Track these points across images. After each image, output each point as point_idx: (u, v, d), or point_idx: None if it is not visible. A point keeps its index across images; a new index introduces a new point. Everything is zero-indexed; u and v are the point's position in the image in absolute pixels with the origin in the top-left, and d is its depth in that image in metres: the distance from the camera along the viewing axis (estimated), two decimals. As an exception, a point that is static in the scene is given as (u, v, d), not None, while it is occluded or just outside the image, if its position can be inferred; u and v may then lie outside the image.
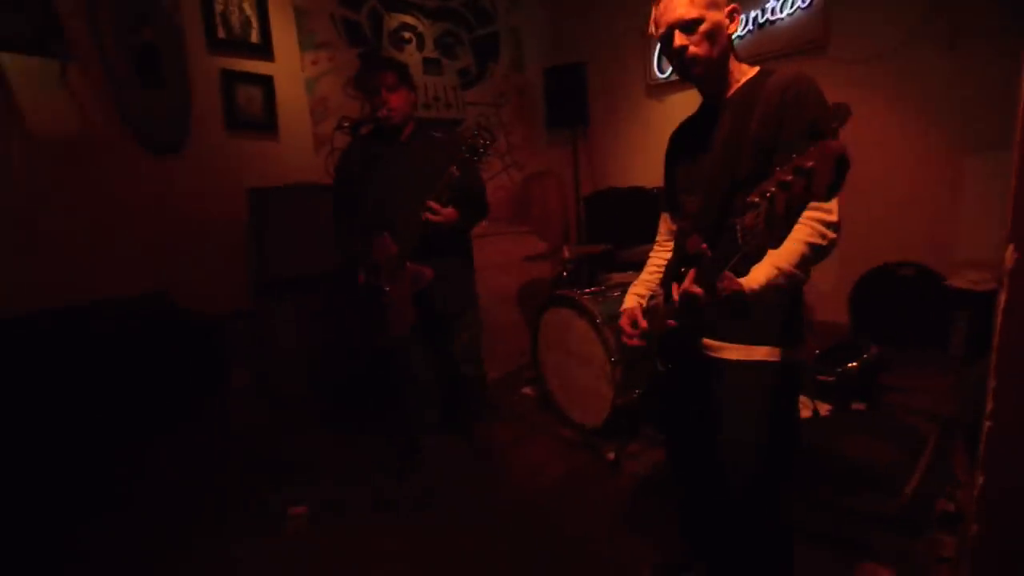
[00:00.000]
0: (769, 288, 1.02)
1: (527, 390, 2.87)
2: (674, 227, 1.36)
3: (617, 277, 2.68)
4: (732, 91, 1.18)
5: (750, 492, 1.19)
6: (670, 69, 3.88)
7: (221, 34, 2.99)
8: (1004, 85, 2.05)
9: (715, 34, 1.13)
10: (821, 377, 2.39)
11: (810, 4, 3.16)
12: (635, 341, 1.29)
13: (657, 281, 1.37)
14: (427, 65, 3.79)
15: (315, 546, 1.78)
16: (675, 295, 1.09)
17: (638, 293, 1.39)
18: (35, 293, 2.44)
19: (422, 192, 1.87)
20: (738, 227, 0.89)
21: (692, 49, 1.14)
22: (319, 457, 2.33)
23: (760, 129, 1.08)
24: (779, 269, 1.03)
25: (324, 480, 2.12)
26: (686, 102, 3.76)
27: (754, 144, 1.09)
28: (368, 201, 2.02)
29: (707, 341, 1.21)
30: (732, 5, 1.16)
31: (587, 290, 2.39)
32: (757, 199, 0.83)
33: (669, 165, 1.34)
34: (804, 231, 1.03)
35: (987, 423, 1.03)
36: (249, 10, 3.08)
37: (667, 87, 3.94)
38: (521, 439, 2.41)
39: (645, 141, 4.13)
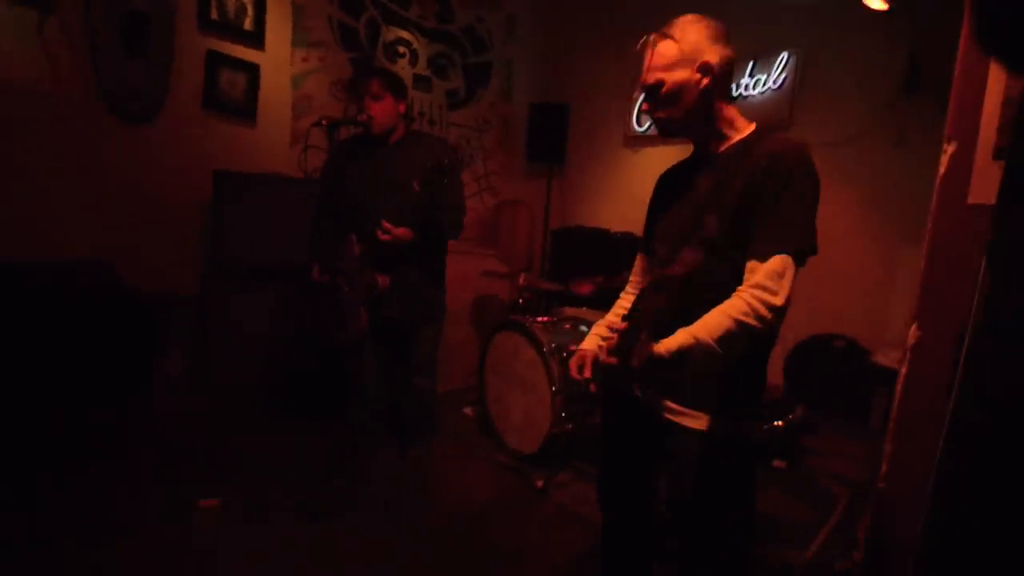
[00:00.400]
0: (682, 355, 0.97)
1: (468, 410, 2.87)
2: (644, 269, 1.37)
3: (570, 311, 2.74)
4: (723, 147, 1.15)
5: (698, 553, 1.16)
6: (648, 123, 4.08)
7: (214, 15, 2.98)
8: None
9: (678, 95, 1.12)
10: (750, 433, 2.49)
11: (780, 86, 3.40)
12: (581, 376, 1.23)
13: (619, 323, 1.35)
14: (417, 81, 3.86)
15: (223, 544, 1.71)
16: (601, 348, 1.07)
17: (599, 334, 1.35)
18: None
19: (390, 202, 1.90)
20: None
21: (656, 113, 1.17)
22: (248, 451, 2.26)
23: (741, 196, 1.05)
24: (695, 339, 0.97)
25: (248, 476, 2.05)
26: (662, 157, 3.94)
27: (732, 209, 1.06)
28: (343, 202, 2.03)
29: (665, 401, 1.17)
30: (704, 59, 1.11)
31: (539, 319, 2.44)
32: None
33: (651, 208, 1.34)
34: (739, 306, 0.99)
35: (880, 484, 1.12)
36: (247, -2, 3.09)
37: (644, 140, 4.13)
38: (455, 458, 2.40)
39: (617, 187, 4.29)
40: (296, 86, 3.38)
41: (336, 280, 2.03)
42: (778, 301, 0.97)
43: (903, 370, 1.08)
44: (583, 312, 2.71)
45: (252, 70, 3.17)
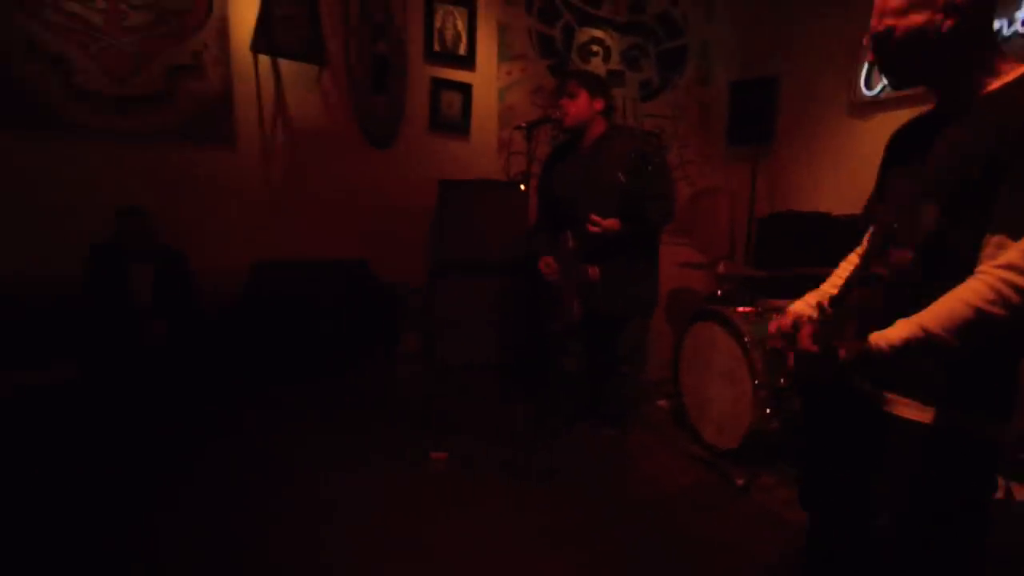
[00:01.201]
0: (906, 349, 0.85)
1: (662, 403, 2.86)
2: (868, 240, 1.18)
3: (775, 303, 2.53)
4: (975, 98, 0.95)
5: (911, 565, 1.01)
6: (880, 86, 3.49)
7: (436, 47, 3.48)
8: None
9: (914, 44, 0.95)
10: (1023, 455, 2.00)
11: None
12: (775, 343, 1.13)
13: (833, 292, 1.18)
14: (610, 77, 3.94)
15: (446, 492, 2.04)
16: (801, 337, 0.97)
17: (808, 301, 1.20)
18: (276, 246, 3.15)
19: (597, 195, 2.04)
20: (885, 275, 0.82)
21: (885, 67, 1.01)
22: (465, 416, 2.63)
23: (985, 162, 0.87)
24: (924, 330, 0.84)
25: (464, 436, 2.39)
26: (895, 124, 3.35)
27: (969, 184, 0.89)
28: (557, 200, 2.25)
29: (885, 393, 1.02)
30: None
31: (739, 308, 2.32)
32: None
33: (879, 174, 1.16)
34: (980, 290, 0.83)
35: None
36: (461, 26, 3.54)
37: (875, 105, 3.55)
38: (650, 447, 2.43)
39: (839, 164, 3.77)
40: (502, 98, 3.75)
41: (556, 273, 2.26)
42: None
43: None
44: (789, 304, 2.48)
45: (466, 90, 3.62)
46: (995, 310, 0.82)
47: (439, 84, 3.53)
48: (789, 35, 4.00)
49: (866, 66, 3.55)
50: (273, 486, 1.99)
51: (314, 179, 3.31)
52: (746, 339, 2.13)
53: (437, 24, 3.47)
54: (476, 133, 3.71)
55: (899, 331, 0.87)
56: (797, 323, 1.06)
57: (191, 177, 2.99)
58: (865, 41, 1.04)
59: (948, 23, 0.92)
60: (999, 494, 1.92)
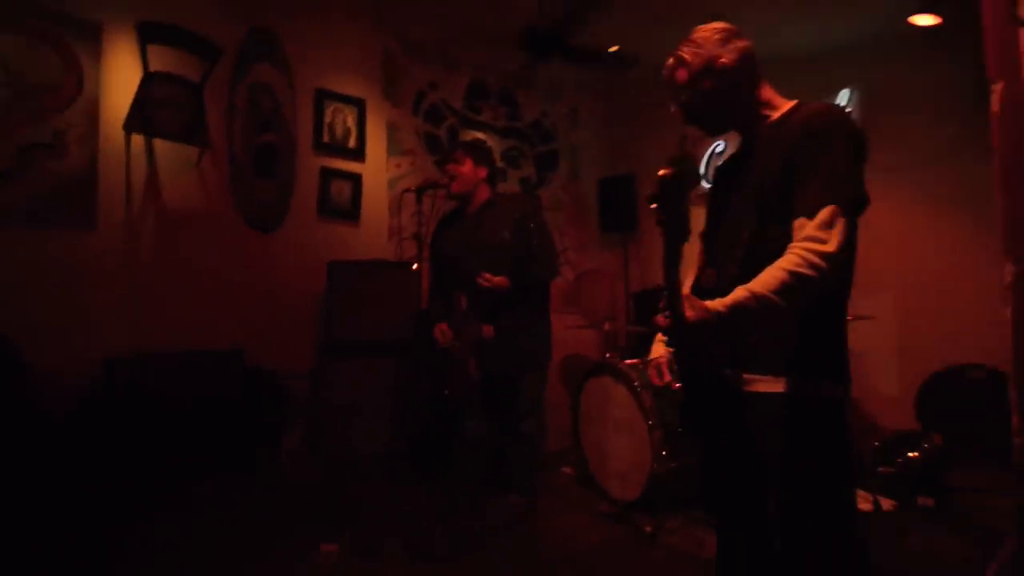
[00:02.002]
0: (737, 311, 0.99)
1: (567, 469, 2.82)
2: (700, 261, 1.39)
3: (660, 357, 2.72)
4: (764, 126, 1.22)
5: (790, 525, 1.09)
6: (717, 180, 4.18)
7: (326, 139, 3.60)
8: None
9: (708, 103, 1.24)
10: (882, 469, 2.24)
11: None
12: (662, 381, 1.29)
13: None
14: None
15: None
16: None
17: (663, 339, 1.35)
18: (141, 334, 2.81)
19: (485, 256, 2.12)
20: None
21: (697, 123, 1.30)
22: (362, 505, 2.38)
23: (781, 171, 1.10)
24: (752, 292, 0.99)
25: (363, 525, 2.15)
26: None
27: (773, 188, 1.10)
28: (448, 264, 2.30)
29: (743, 375, 1.16)
30: (720, 63, 1.20)
31: (627, 360, 2.46)
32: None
33: (709, 201, 1.38)
34: (791, 259, 1.00)
35: (1016, 440, 1.01)
36: (351, 122, 3.72)
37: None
38: (559, 511, 2.35)
39: (692, 243, 4.31)
40: (391, 188, 3.89)
41: (448, 337, 2.24)
42: (830, 248, 0.99)
43: (1009, 312, 1.03)
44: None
45: (356, 179, 3.72)
46: (805, 271, 0.99)
47: (329, 173, 3.60)
48: (640, 141, 4.71)
49: (704, 162, 4.26)
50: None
51: (187, 264, 3.08)
52: (636, 384, 2.23)
53: (327, 119, 3.62)
54: (367, 220, 3.76)
55: (732, 295, 1.02)
56: (659, 368, 1.28)
57: (37, 262, 2.65)
58: (674, 110, 1.32)
59: (727, 81, 1.20)
60: (868, 507, 2.10)
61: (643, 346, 3.36)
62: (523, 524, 2.19)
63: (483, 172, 2.28)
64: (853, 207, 1.03)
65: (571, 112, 4.76)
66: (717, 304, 1.00)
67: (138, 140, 2.92)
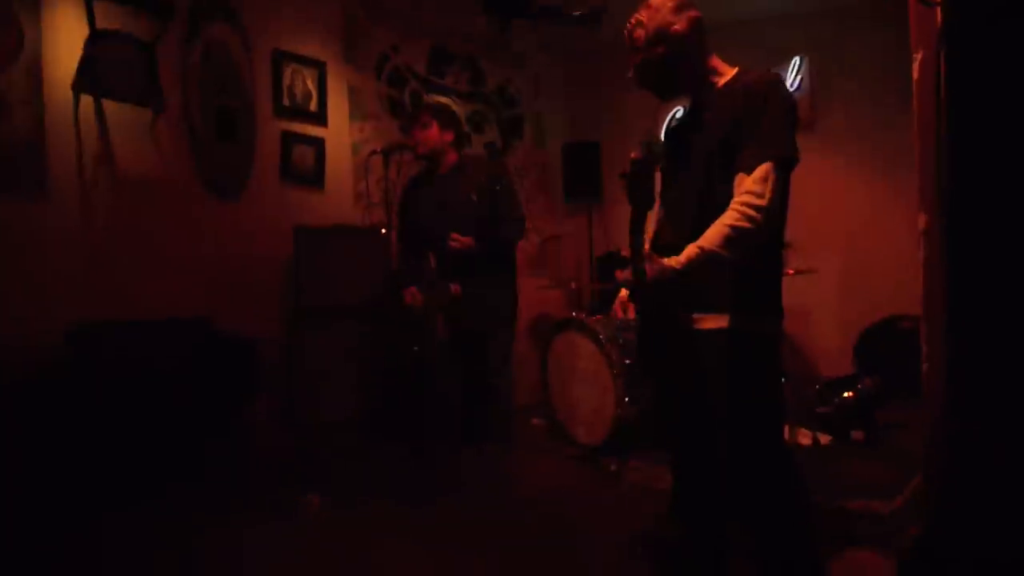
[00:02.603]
0: (691, 265, 1.13)
1: (536, 421, 2.97)
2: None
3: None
4: (713, 91, 1.32)
5: (734, 440, 1.24)
6: (676, 146, 4.31)
7: (286, 102, 3.52)
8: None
9: (661, 67, 1.34)
10: (820, 409, 2.47)
11: (798, 88, 3.58)
12: (625, 314, 1.44)
13: None
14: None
15: (327, 530, 1.88)
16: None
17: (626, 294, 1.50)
18: (101, 305, 2.76)
19: (454, 217, 2.18)
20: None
21: (650, 86, 1.41)
22: (339, 463, 2.46)
23: (729, 125, 1.21)
24: (700, 248, 1.13)
25: (341, 479, 2.24)
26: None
27: (721, 141, 1.22)
28: (418, 225, 2.35)
29: (693, 314, 1.29)
30: (674, 29, 1.29)
31: (592, 318, 2.59)
32: None
33: (666, 154, 1.50)
34: (731, 215, 1.13)
35: (924, 365, 1.18)
36: (311, 85, 3.64)
37: (674, 161, 4.34)
38: (531, 458, 2.50)
39: (654, 212, 4.47)
40: (355, 153, 3.86)
41: (419, 294, 2.31)
42: (763, 202, 1.13)
43: (921, 255, 1.18)
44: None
45: (318, 143, 3.67)
46: (744, 224, 1.13)
47: (290, 137, 3.54)
48: (604, 109, 4.78)
49: (663, 130, 4.38)
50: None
51: (147, 231, 3.01)
52: (601, 336, 2.37)
53: (286, 81, 3.53)
54: (331, 185, 3.73)
55: (685, 252, 1.15)
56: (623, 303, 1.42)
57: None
58: (630, 74, 1.41)
59: (680, 47, 1.30)
60: (808, 442, 2.32)
61: (606, 303, 3.51)
62: (497, 469, 2.33)
63: (449, 136, 2.32)
64: (785, 164, 1.17)
65: (535, 78, 4.77)
66: (673, 261, 1.14)
67: (88, 102, 2.80)
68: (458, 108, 4.32)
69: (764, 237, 1.16)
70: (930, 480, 1.17)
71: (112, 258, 2.88)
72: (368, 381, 3.14)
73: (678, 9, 1.31)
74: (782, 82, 1.23)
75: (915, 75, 1.21)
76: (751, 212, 1.12)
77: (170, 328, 2.94)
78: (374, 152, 2.26)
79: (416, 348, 2.44)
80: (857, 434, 2.37)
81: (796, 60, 3.60)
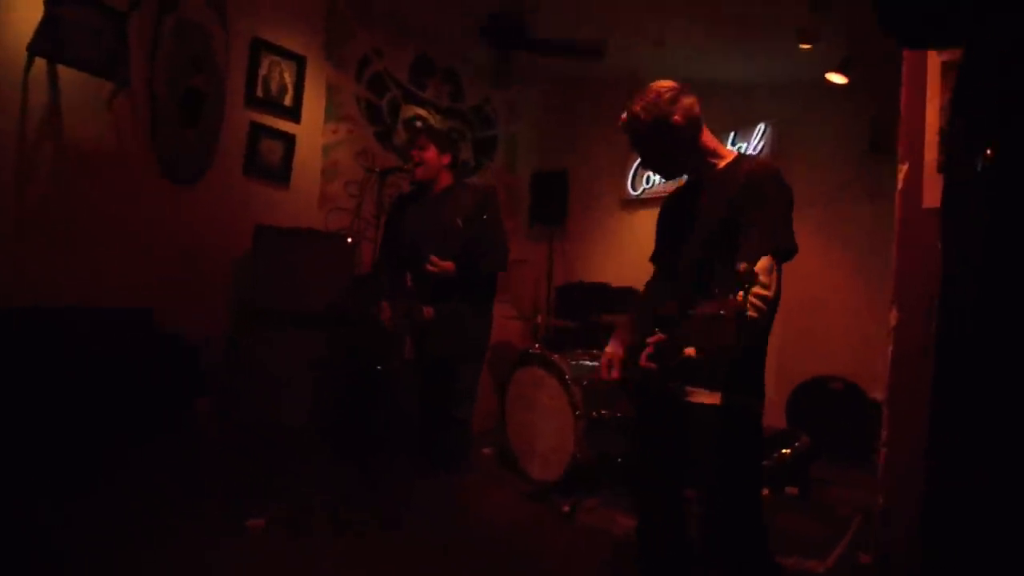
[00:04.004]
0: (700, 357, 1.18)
1: (486, 450, 2.96)
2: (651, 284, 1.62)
3: (583, 352, 2.92)
4: (712, 172, 1.39)
5: (717, 504, 1.32)
6: (641, 188, 4.48)
7: (259, 93, 3.37)
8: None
9: (661, 154, 1.44)
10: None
11: (760, 153, 3.82)
12: (610, 376, 1.48)
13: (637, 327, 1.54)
14: (432, 151, 4.26)
15: (270, 559, 1.78)
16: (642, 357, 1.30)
17: (620, 339, 1.55)
18: (29, 289, 2.50)
19: (437, 240, 2.16)
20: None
21: (653, 169, 1.52)
22: (287, 478, 2.34)
23: (728, 208, 1.29)
24: None
25: (289, 500, 2.13)
26: (652, 217, 4.31)
27: (720, 222, 1.30)
28: (400, 246, 2.30)
29: (687, 387, 1.35)
30: (672, 120, 1.36)
31: (556, 355, 2.62)
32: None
33: (660, 226, 1.58)
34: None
35: (882, 449, 1.28)
36: (288, 79, 3.51)
37: (638, 203, 4.51)
38: (483, 490, 2.48)
39: (615, 246, 4.63)
40: (326, 154, 3.74)
41: (393, 312, 2.25)
42: (769, 293, 1.20)
43: (890, 349, 1.29)
44: (594, 354, 2.89)
45: (289, 140, 3.53)
46: (752, 314, 1.16)
47: (259, 129, 3.39)
48: (576, 139, 4.89)
49: (631, 172, 4.54)
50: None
51: (90, 211, 2.78)
52: (567, 376, 2.40)
53: (263, 71, 3.39)
54: (297, 184, 3.59)
55: None
56: (629, 353, 1.43)
57: None
58: (632, 158, 1.49)
59: (677, 136, 1.37)
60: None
61: (564, 339, 3.57)
62: (449, 502, 2.30)
63: (446, 159, 2.31)
64: (785, 256, 1.24)
65: (513, 102, 4.82)
66: (691, 352, 1.16)
67: (39, 68, 2.56)
68: (436, 122, 4.30)
69: (767, 324, 1.23)
70: (886, 548, 1.27)
71: (51, 237, 2.64)
72: (322, 391, 3.02)
73: (673, 100, 1.37)
74: (780, 174, 1.32)
75: (899, 184, 1.33)
76: (759, 304, 1.17)
77: (106, 318, 2.71)
78: (372, 170, 2.21)
79: (380, 367, 2.38)
80: (791, 489, 2.53)
81: (761, 126, 3.85)
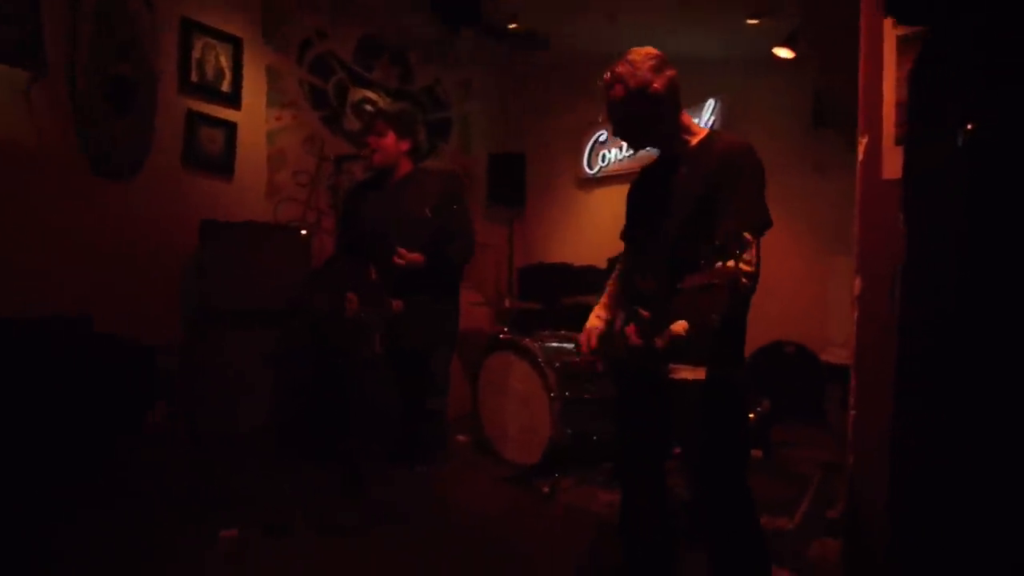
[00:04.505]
0: (691, 331, 1.19)
1: (461, 437, 2.95)
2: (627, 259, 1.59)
3: (550, 333, 2.93)
4: (685, 148, 1.39)
5: (706, 479, 1.35)
6: (598, 167, 4.50)
7: (194, 78, 3.15)
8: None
9: (638, 123, 1.42)
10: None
11: (712, 127, 3.88)
12: (586, 358, 1.49)
13: (615, 304, 1.58)
14: (384, 135, 4.12)
15: (251, 570, 1.72)
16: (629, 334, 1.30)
17: (599, 315, 1.57)
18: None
19: (403, 230, 2.09)
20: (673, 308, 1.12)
21: (625, 138, 1.48)
22: (259, 486, 2.25)
23: (704, 185, 1.29)
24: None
25: (264, 507, 2.05)
26: (611, 196, 4.35)
27: (698, 198, 1.30)
28: (361, 237, 2.20)
29: (670, 364, 1.36)
30: (653, 88, 1.35)
31: (527, 338, 2.62)
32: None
33: (631, 202, 1.56)
34: None
35: (851, 412, 1.35)
36: (225, 63, 3.29)
37: (594, 182, 4.53)
38: (461, 478, 2.47)
39: (573, 225, 4.65)
40: (271, 142, 3.55)
41: (357, 305, 2.17)
42: (751, 268, 1.19)
43: (855, 314, 1.35)
44: (560, 334, 2.91)
45: (230, 128, 3.32)
46: (744, 281, 1.16)
47: (197, 117, 3.18)
48: (531, 120, 4.85)
49: (587, 150, 4.55)
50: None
51: (14, 212, 2.56)
52: (539, 359, 2.41)
53: (196, 55, 3.16)
54: (241, 175, 3.41)
55: (683, 324, 1.20)
56: (610, 330, 1.43)
57: None
58: (602, 119, 1.45)
59: (657, 105, 1.36)
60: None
61: (531, 322, 3.57)
62: (428, 493, 2.28)
63: (405, 145, 2.21)
64: (762, 230, 1.26)
65: (465, 82, 4.71)
66: (679, 328, 1.20)
67: (-59, 53, 2.30)
68: (386, 104, 4.15)
69: (749, 299, 1.25)
70: (856, 511, 1.34)
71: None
72: (282, 391, 2.92)
73: (657, 68, 1.36)
74: (754, 150, 1.33)
75: (859, 156, 1.37)
76: (742, 278, 1.17)
77: (42, 328, 2.51)
78: (325, 158, 2.10)
79: (345, 361, 2.31)
80: (756, 452, 2.64)
81: (711, 102, 3.92)
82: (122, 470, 2.33)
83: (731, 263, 1.02)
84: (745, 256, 1.19)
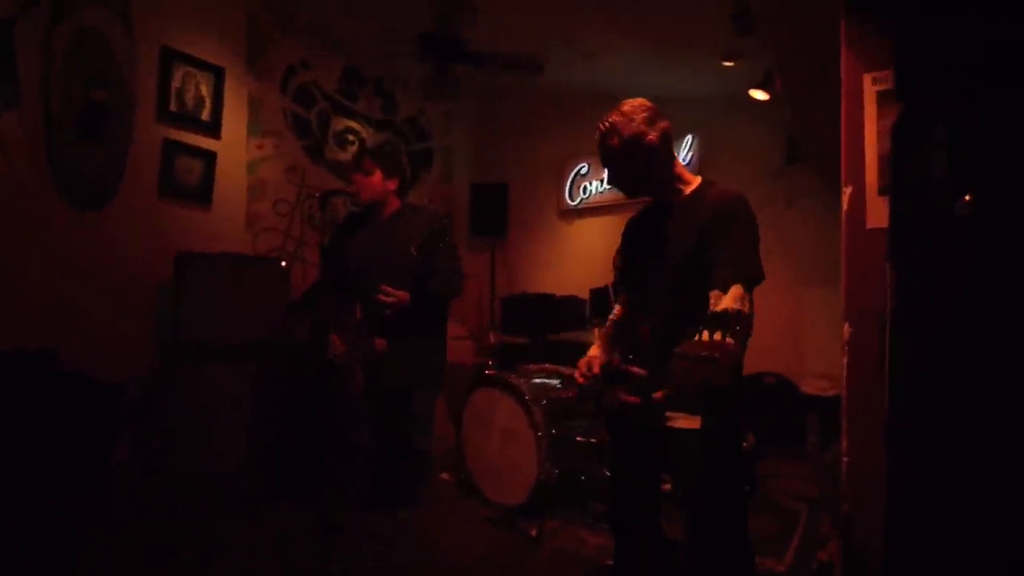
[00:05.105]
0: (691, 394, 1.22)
1: (445, 475, 2.87)
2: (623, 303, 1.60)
3: (535, 367, 2.90)
4: (679, 198, 1.40)
5: (707, 526, 1.32)
6: (580, 197, 4.55)
7: (173, 107, 3.10)
8: (832, 236, 2.76)
9: (633, 173, 1.43)
10: (710, 463, 2.70)
11: (689, 163, 3.98)
12: (584, 380, 1.46)
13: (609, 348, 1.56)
14: (366, 165, 4.11)
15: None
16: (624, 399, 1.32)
17: (596, 354, 1.53)
18: None
19: (389, 268, 2.05)
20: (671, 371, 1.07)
21: (621, 187, 1.50)
22: (232, 532, 2.14)
23: (697, 234, 1.30)
24: None
25: (237, 556, 1.95)
26: (594, 227, 4.40)
27: (692, 245, 1.31)
28: (346, 274, 2.16)
29: (667, 412, 1.34)
30: (647, 140, 1.37)
31: (512, 374, 2.59)
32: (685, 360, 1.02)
33: (623, 250, 1.56)
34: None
35: (844, 459, 1.35)
36: (205, 91, 3.26)
37: (575, 213, 4.58)
38: (444, 521, 2.39)
39: (555, 255, 4.67)
40: (252, 171, 3.50)
41: (340, 344, 2.12)
42: (747, 314, 1.22)
43: (844, 359, 1.37)
44: (546, 367, 2.88)
45: (208, 157, 3.27)
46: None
47: (174, 146, 3.12)
48: (513, 151, 4.90)
49: (569, 181, 4.60)
50: None
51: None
52: (526, 396, 2.37)
53: (175, 84, 3.12)
54: (220, 205, 3.34)
55: None
56: (591, 364, 1.43)
57: None
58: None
59: (651, 157, 1.38)
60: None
61: (514, 355, 3.54)
62: (411, 534, 2.19)
63: (393, 184, 2.19)
64: (754, 283, 1.27)
65: (447, 113, 4.75)
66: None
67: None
68: (369, 135, 4.15)
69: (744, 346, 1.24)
70: (852, 551, 1.33)
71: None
72: (258, 430, 2.81)
73: (650, 120, 1.38)
74: (748, 202, 1.35)
75: (844, 206, 1.41)
76: (744, 338, 1.18)
77: (3, 363, 2.38)
78: (312, 195, 2.06)
79: (319, 401, 2.25)
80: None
81: (688, 138, 4.03)
82: (78, 516, 2.19)
83: (731, 340, 1.00)
84: (735, 306, 1.20)
